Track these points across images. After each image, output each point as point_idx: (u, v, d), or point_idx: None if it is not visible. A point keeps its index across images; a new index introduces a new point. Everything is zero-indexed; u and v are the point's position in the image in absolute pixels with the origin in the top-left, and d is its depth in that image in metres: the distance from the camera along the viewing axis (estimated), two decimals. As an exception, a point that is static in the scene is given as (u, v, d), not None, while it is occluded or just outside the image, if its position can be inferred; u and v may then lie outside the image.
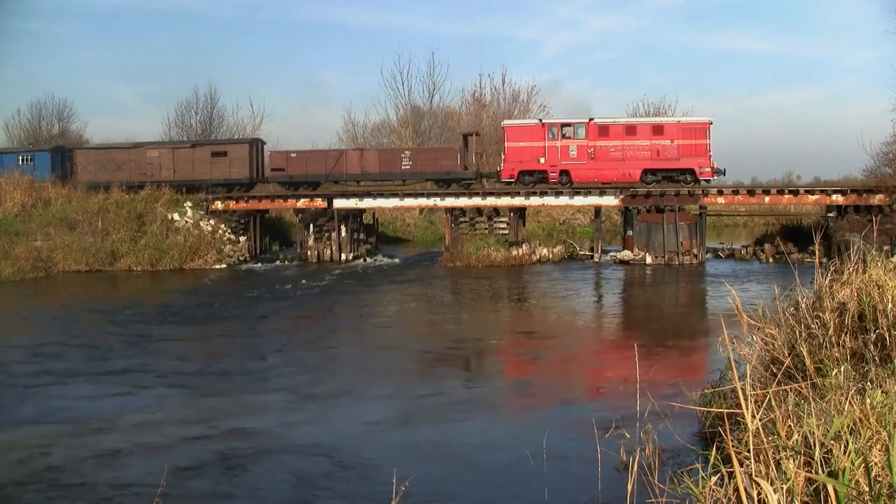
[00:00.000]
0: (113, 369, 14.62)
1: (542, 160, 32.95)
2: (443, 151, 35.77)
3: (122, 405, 12.06)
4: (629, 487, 5.09)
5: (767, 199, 32.93)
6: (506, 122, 34.19)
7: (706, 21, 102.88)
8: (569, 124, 33.33)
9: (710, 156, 32.17)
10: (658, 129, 32.70)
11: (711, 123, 32.53)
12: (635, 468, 5.44)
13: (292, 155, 36.35)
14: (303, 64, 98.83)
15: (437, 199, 34.56)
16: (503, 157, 33.62)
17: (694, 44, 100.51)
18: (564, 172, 32.94)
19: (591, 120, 33.18)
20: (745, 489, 4.04)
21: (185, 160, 36.71)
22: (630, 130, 32.82)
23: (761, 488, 4.01)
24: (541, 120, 34.24)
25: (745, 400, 4.19)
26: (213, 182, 36.21)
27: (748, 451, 4.41)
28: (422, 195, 34.86)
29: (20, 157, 39.69)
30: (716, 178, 32.95)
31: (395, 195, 35.06)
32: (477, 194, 33.96)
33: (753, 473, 4.45)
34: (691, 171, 32.16)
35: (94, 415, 11.54)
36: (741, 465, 4.62)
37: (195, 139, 39.44)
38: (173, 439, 10.25)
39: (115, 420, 11.16)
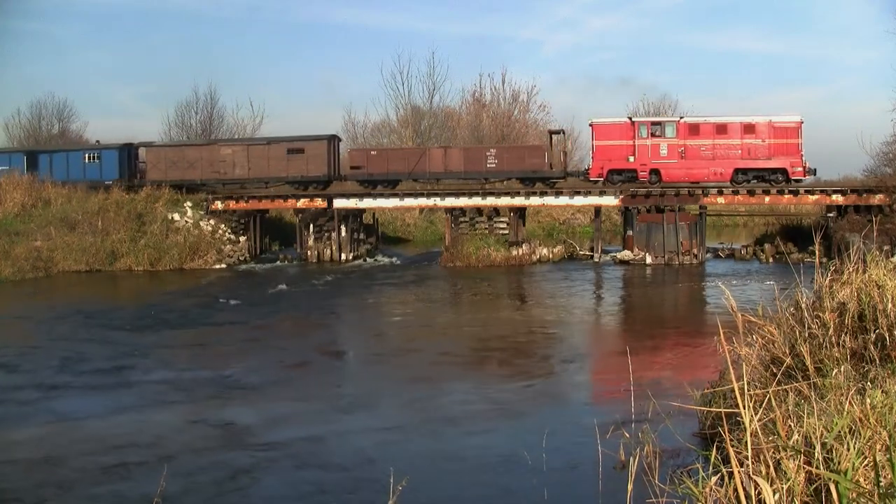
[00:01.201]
0: (126, 380, 14.42)
1: (632, 159, 32.53)
2: (530, 149, 35.03)
3: (137, 422, 11.40)
4: (629, 487, 5.08)
5: (767, 199, 32.91)
6: (594, 119, 33.38)
7: (706, 21, 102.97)
8: (659, 123, 33.05)
9: (802, 155, 31.70)
10: (749, 129, 32.13)
11: (803, 122, 32.00)
12: (635, 468, 5.44)
13: (373, 153, 35.84)
14: (303, 64, 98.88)
15: (437, 199, 34.51)
16: (591, 155, 33.21)
17: (694, 44, 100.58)
18: (655, 171, 32.53)
19: (681, 118, 32.95)
20: (745, 489, 4.03)
21: (260, 157, 36.03)
22: (721, 129, 32.30)
23: (760, 488, 4.00)
24: (630, 118, 33.73)
25: (743, 399, 4.18)
26: (290, 180, 35.71)
27: (748, 450, 4.40)
28: (422, 195, 34.82)
29: (86, 156, 38.48)
30: (808, 177, 32.46)
31: (395, 195, 35.03)
32: (477, 194, 33.93)
33: (752, 473, 4.44)
34: (783, 171, 31.64)
35: (93, 418, 11.53)
36: (741, 464, 4.61)
37: (270, 136, 38.20)
38: (179, 446, 10.06)
39: (133, 436, 10.65)
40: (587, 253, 34.64)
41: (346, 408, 11.77)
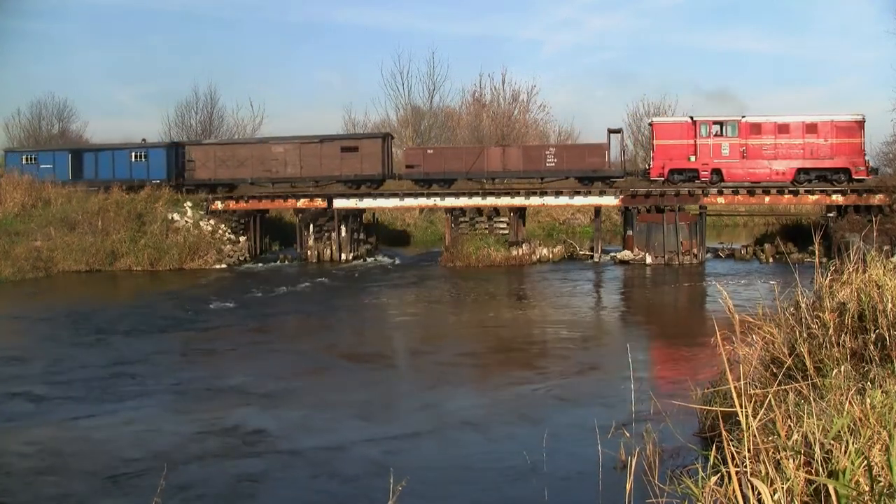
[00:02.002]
0: (126, 386, 14.25)
1: (693, 158, 32.24)
2: (590, 148, 34.41)
3: (139, 428, 11.15)
4: (628, 487, 5.08)
5: (767, 199, 32.91)
6: (655, 119, 33.11)
7: (706, 21, 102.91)
8: (721, 122, 32.56)
9: (865, 154, 31.39)
10: (811, 128, 31.74)
11: (865, 121, 31.62)
12: (634, 468, 5.43)
13: (429, 151, 35.42)
14: (303, 64, 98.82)
15: (437, 199, 34.49)
16: (652, 154, 32.94)
17: (694, 44, 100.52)
18: (716, 171, 32.22)
19: (743, 117, 32.55)
20: (742, 489, 4.04)
21: (312, 156, 35.51)
22: (783, 129, 31.97)
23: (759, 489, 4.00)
24: (692, 117, 33.18)
25: (741, 398, 4.18)
26: (343, 179, 35.35)
27: (747, 450, 4.40)
28: (421, 195, 34.80)
29: (132, 154, 37.72)
30: (870, 177, 32.08)
31: (395, 195, 35.00)
32: (477, 194, 33.90)
33: (750, 473, 4.44)
34: (846, 171, 31.19)
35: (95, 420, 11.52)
36: (741, 464, 4.61)
37: (323, 134, 37.42)
38: (185, 454, 9.91)
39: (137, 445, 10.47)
40: (587, 253, 34.63)
41: (359, 414, 11.57)
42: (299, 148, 35.86)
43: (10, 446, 10.23)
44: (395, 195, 35.00)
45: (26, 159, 38.87)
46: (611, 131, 34.71)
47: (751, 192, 32.53)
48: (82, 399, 12.62)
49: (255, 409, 11.91)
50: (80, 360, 15.60)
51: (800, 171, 31.80)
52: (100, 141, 47.97)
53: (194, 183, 36.62)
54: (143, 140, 39.93)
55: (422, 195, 34.78)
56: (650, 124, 33.19)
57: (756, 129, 32.07)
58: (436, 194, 34.49)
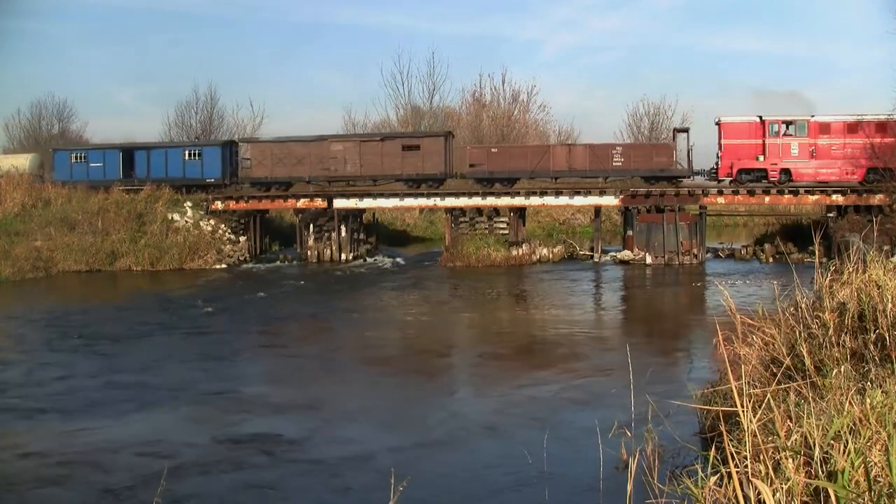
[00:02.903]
0: (127, 390, 14.21)
1: (762, 158, 31.76)
2: (658, 148, 33.86)
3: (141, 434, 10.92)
4: (628, 487, 5.07)
5: (767, 199, 32.90)
6: (723, 118, 32.43)
7: (706, 21, 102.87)
8: (790, 121, 32.09)
9: None
10: (881, 127, 31.17)
11: None
12: (634, 468, 5.43)
13: (493, 150, 34.91)
14: (303, 64, 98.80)
15: (437, 199, 34.47)
16: (719, 154, 32.41)
17: (694, 44, 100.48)
18: (785, 171, 31.73)
19: (812, 116, 32.11)
20: (742, 490, 4.04)
21: (372, 154, 34.78)
22: (852, 128, 31.47)
23: (759, 489, 4.00)
24: (760, 117, 32.55)
25: (741, 400, 4.18)
26: (404, 178, 34.64)
27: (747, 451, 4.40)
28: (422, 195, 34.78)
29: (186, 152, 36.83)
30: None
31: (395, 195, 34.98)
32: (477, 194, 33.88)
33: (751, 473, 4.44)
34: None
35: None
36: (740, 465, 4.61)
37: (385, 132, 36.72)
38: (200, 464, 9.78)
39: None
40: (587, 253, 34.62)
41: (374, 419, 11.41)
42: (359, 146, 35.23)
43: (10, 454, 10.03)
44: (395, 195, 34.97)
45: (76, 158, 38.14)
46: (677, 130, 33.90)
47: (751, 193, 32.51)
48: (86, 407, 12.23)
49: (262, 414, 11.65)
50: (83, 365, 15.38)
51: (869, 170, 31.13)
52: (100, 140, 47.78)
53: (250, 181, 35.99)
54: (197, 138, 39.24)
55: (422, 195, 34.75)
56: (717, 123, 32.54)
57: (825, 128, 31.52)
58: (436, 194, 34.44)
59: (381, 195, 35.09)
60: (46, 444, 10.27)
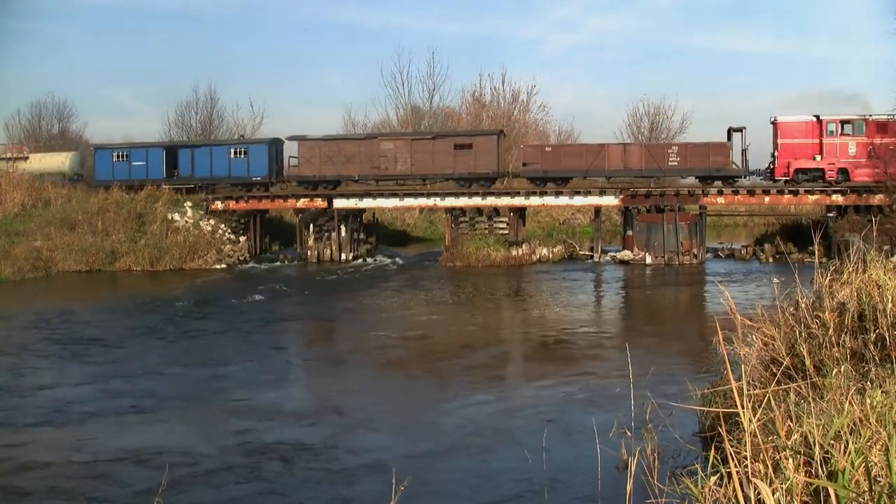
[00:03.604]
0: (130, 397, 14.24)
1: (818, 158, 31.43)
2: (714, 147, 33.12)
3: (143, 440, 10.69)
4: (628, 487, 5.08)
5: (767, 199, 32.93)
6: (779, 117, 32.08)
7: (706, 21, 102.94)
8: (847, 121, 31.66)
9: None
10: None
11: None
12: (634, 468, 5.44)
13: (547, 149, 34.67)
14: (303, 64, 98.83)
15: (437, 199, 34.49)
16: (775, 154, 32.08)
17: (694, 44, 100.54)
18: (842, 171, 31.32)
19: (870, 116, 31.74)
20: (742, 490, 4.04)
21: (424, 152, 34.48)
22: None
23: (759, 489, 4.01)
24: (817, 116, 31.97)
25: (742, 400, 4.19)
26: (456, 177, 34.42)
27: (747, 451, 4.40)
28: (421, 195, 34.80)
29: (232, 150, 36.36)
30: None
31: (394, 195, 35.00)
32: (477, 194, 33.91)
33: (751, 474, 4.44)
34: None
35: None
36: (740, 465, 4.61)
37: (436, 130, 35.97)
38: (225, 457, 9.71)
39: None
40: (587, 253, 34.64)
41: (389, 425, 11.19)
42: (410, 144, 34.90)
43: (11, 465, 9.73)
44: (395, 195, 35.00)
45: (117, 156, 37.55)
46: (732, 130, 33.53)
47: (751, 192, 32.54)
48: (83, 414, 11.66)
49: (272, 420, 11.29)
50: (82, 369, 15.20)
51: None
52: (100, 140, 47.64)
53: (297, 180, 35.69)
54: (241, 136, 38.74)
55: (422, 195, 34.76)
56: (773, 122, 32.16)
57: (882, 127, 31.12)
58: (436, 194, 34.45)
59: (381, 195, 35.11)
60: (41, 455, 9.84)
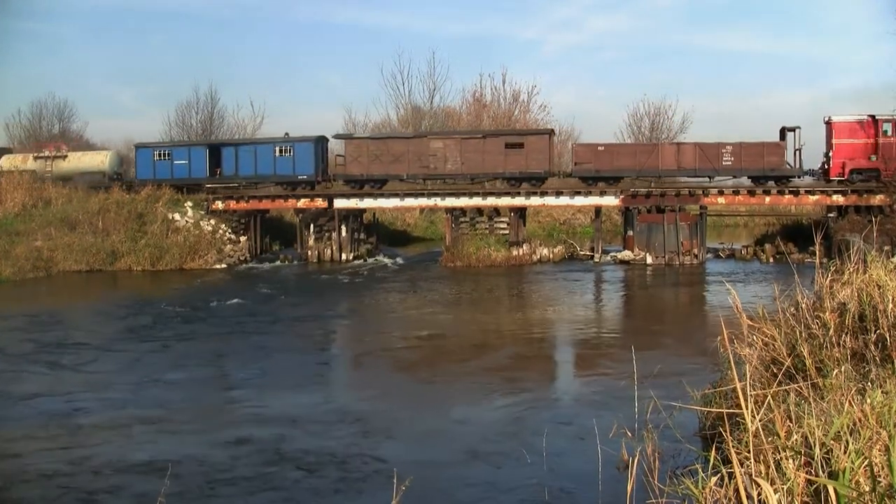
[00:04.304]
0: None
1: (874, 157, 30.97)
2: (769, 147, 32.59)
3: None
4: (629, 487, 5.08)
5: (768, 199, 32.93)
6: (834, 117, 31.66)
7: (706, 21, 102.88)
8: None
9: None
10: None
11: None
12: (635, 468, 5.44)
13: (600, 148, 34.14)
14: (303, 64, 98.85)
15: (438, 200, 34.49)
16: (830, 154, 31.62)
17: (694, 44, 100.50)
18: None
19: None
20: (745, 489, 4.04)
21: (474, 151, 34.11)
22: None
23: (761, 488, 4.01)
24: (873, 116, 31.51)
25: (745, 400, 4.19)
26: (507, 176, 34.03)
27: (748, 451, 4.40)
28: (422, 195, 34.80)
29: (277, 148, 35.61)
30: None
31: (395, 195, 35.00)
32: (477, 194, 33.91)
33: (753, 474, 4.44)
34: None
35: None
36: (741, 465, 4.61)
37: (487, 129, 35.41)
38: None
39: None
40: (587, 253, 34.64)
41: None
42: (460, 143, 34.52)
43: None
44: (395, 195, 34.99)
45: (159, 155, 36.90)
46: (785, 129, 33.12)
47: (751, 193, 32.56)
48: (100, 420, 11.48)
49: (286, 426, 10.93)
50: (83, 372, 15.14)
51: None
52: (100, 140, 47.71)
53: (343, 179, 35.35)
54: (286, 134, 38.56)
55: (422, 195, 34.76)
56: (827, 122, 31.72)
57: None
58: (436, 194, 34.42)
59: (382, 195, 35.11)
60: (42, 465, 9.51)
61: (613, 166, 33.11)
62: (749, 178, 32.92)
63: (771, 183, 32.32)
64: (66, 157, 38.60)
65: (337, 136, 37.73)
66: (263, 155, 35.66)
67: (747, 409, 4.29)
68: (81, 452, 9.91)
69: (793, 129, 32.81)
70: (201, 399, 12.70)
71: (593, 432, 8.04)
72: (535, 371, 14.45)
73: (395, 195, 34.97)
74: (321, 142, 36.49)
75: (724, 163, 32.42)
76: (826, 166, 32.04)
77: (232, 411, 11.91)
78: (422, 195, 34.80)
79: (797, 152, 32.59)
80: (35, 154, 39.19)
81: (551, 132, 35.55)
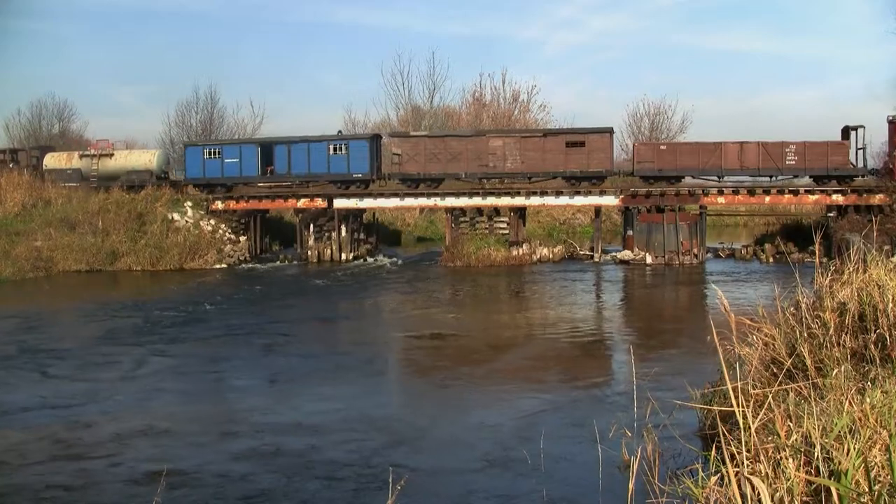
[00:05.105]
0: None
1: None
2: (833, 146, 32.11)
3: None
4: (629, 487, 5.07)
5: (768, 198, 32.94)
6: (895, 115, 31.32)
7: (707, 21, 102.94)
8: None
9: None
10: None
11: None
12: (635, 468, 5.43)
13: (662, 147, 34.10)
14: (303, 64, 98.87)
15: (437, 199, 34.48)
16: (894, 153, 31.32)
17: (694, 44, 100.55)
18: None
19: None
20: (741, 489, 4.04)
21: (534, 150, 33.80)
22: None
23: (760, 488, 4.00)
24: None
25: (737, 399, 4.18)
26: (567, 175, 33.82)
27: (748, 451, 4.40)
28: (422, 195, 34.80)
29: (331, 146, 35.17)
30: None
31: (395, 195, 34.99)
32: (477, 194, 33.90)
33: (746, 472, 4.44)
34: None
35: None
36: (741, 464, 4.61)
37: (547, 128, 35.59)
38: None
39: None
40: (587, 253, 34.64)
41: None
42: (520, 142, 34.26)
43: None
44: (395, 195, 34.97)
45: (209, 153, 36.37)
46: (848, 128, 32.58)
47: (751, 192, 32.57)
48: (106, 427, 11.08)
49: (307, 435, 10.59)
50: (94, 378, 15.15)
51: None
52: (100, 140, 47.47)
53: (399, 177, 34.97)
54: (339, 132, 37.69)
55: (422, 195, 34.75)
56: (891, 121, 31.21)
57: None
58: (436, 194, 34.39)
59: (382, 195, 35.09)
60: (45, 475, 9.25)
61: (676, 165, 32.84)
62: (811, 177, 32.38)
63: (834, 183, 31.84)
64: (112, 155, 37.96)
65: (393, 134, 37.11)
66: (317, 153, 35.17)
67: (738, 408, 4.28)
68: (82, 463, 9.65)
69: (856, 128, 32.30)
70: (209, 406, 12.30)
71: (605, 435, 8.03)
72: (547, 372, 14.27)
73: (395, 195, 34.95)
74: (375, 140, 36.12)
75: (787, 162, 32.04)
76: (890, 166, 31.47)
77: (243, 419, 11.40)
78: (422, 195, 34.77)
79: (861, 151, 32.12)
80: (81, 152, 38.71)
81: (611, 131, 35.15)
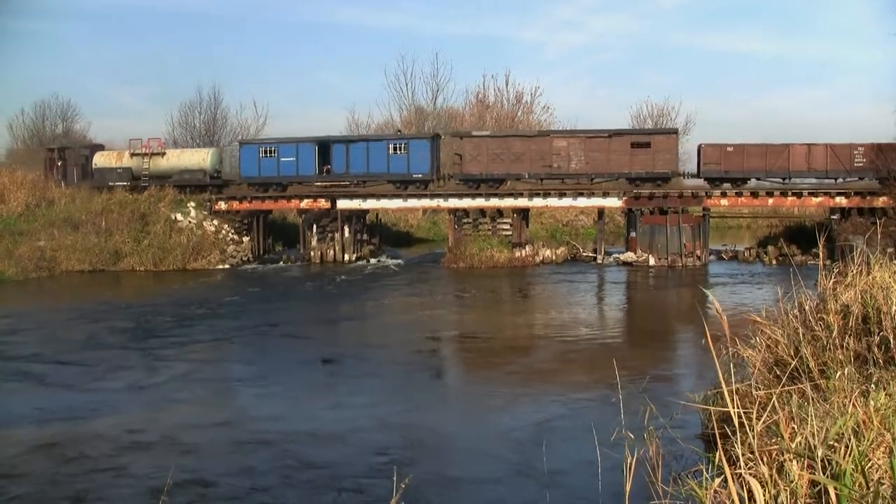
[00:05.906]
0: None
1: None
2: None
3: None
4: (627, 487, 5.08)
5: (771, 201, 32.90)
6: None
7: (709, 22, 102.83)
8: None
9: None
10: None
11: None
12: (634, 468, 5.43)
13: (728, 149, 33.24)
14: (306, 64, 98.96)
15: (441, 201, 34.47)
16: None
17: (696, 45, 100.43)
18: None
19: None
20: (738, 492, 4.04)
21: (599, 150, 33.39)
22: None
23: (764, 489, 4.00)
24: None
25: (744, 400, 4.18)
26: (632, 176, 33.22)
27: (751, 452, 4.40)
28: (425, 196, 34.79)
29: (391, 146, 34.65)
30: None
31: (398, 196, 35.00)
32: (480, 195, 33.89)
33: (750, 475, 4.44)
34: None
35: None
36: (744, 466, 4.60)
37: (612, 129, 34.49)
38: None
39: None
40: (590, 254, 34.62)
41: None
42: (584, 142, 33.81)
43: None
44: (397, 196, 34.98)
45: (265, 152, 35.72)
46: None
47: (754, 194, 32.53)
48: (114, 436, 10.88)
49: (327, 444, 10.36)
50: (91, 375, 15.41)
51: None
52: (102, 141, 47.46)
53: (460, 177, 34.56)
54: (399, 132, 37.00)
55: (425, 196, 34.74)
56: None
57: None
58: (439, 195, 34.37)
59: (384, 196, 35.09)
60: (46, 479, 9.21)
61: (742, 167, 32.48)
62: (877, 180, 31.84)
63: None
64: (164, 154, 37.37)
65: (454, 134, 36.62)
66: (376, 153, 34.64)
67: (739, 409, 4.28)
68: (85, 466, 9.61)
69: None
70: (218, 412, 12.06)
71: (594, 433, 8.01)
72: (563, 375, 14.21)
73: (398, 196, 34.96)
74: (436, 140, 35.83)
75: (855, 164, 31.69)
76: None
77: (270, 426, 11.07)
78: (425, 196, 34.76)
79: None
80: (131, 151, 37.85)
81: (677, 132, 34.77)
